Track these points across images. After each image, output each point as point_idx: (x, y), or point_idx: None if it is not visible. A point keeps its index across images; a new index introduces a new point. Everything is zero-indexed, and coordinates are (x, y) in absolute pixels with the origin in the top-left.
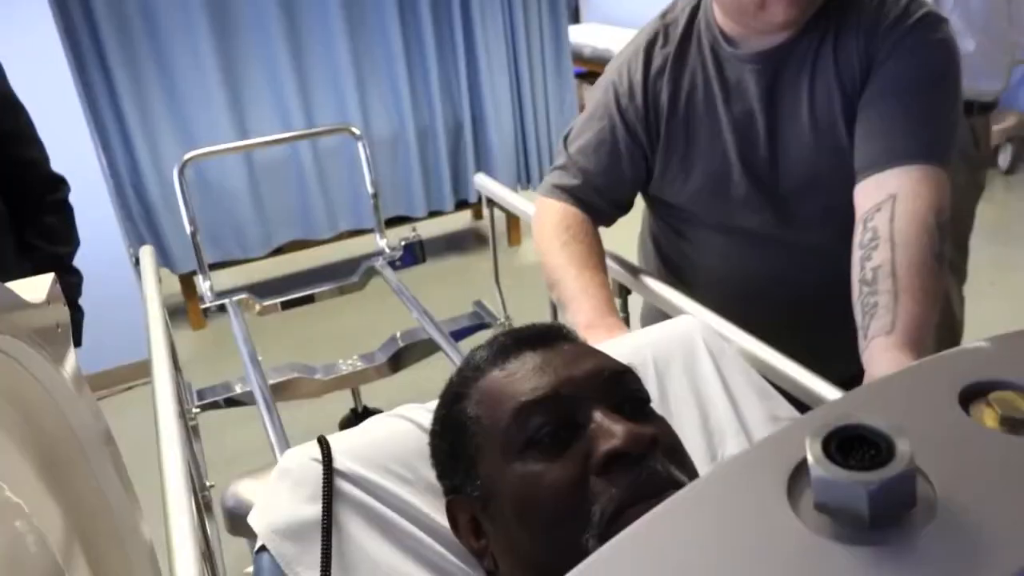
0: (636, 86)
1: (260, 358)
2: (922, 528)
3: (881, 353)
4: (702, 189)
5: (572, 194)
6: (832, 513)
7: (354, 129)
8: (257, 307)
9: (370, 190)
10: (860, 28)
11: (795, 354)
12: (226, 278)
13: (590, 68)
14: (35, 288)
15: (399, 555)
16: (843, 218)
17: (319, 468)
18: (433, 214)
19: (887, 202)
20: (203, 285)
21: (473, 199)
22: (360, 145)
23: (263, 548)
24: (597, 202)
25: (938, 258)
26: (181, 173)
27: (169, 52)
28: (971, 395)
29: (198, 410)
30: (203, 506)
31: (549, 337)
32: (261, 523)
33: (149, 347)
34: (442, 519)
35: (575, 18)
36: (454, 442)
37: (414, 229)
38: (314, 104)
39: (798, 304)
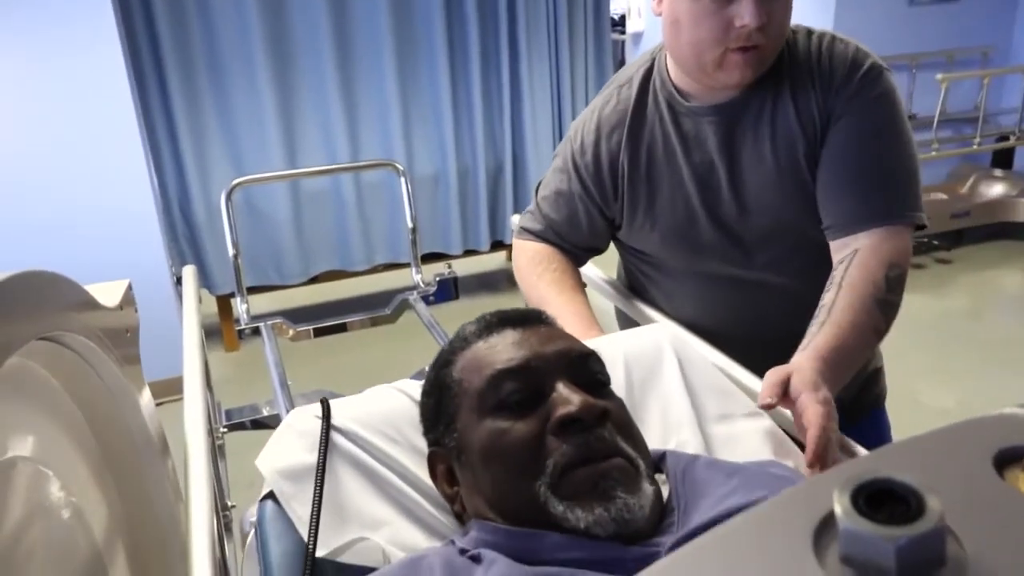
0: (588, 146)
1: (289, 383)
2: None
3: (793, 361)
4: (669, 236)
5: (538, 236)
6: (858, 567)
7: (398, 165)
8: (290, 332)
9: (409, 224)
10: (815, 82)
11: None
12: (262, 302)
13: None
14: (109, 292)
15: (382, 501)
16: (806, 258)
17: (319, 423)
18: (468, 252)
19: (848, 256)
20: (240, 307)
21: (509, 240)
22: (403, 181)
23: (266, 497)
24: (562, 244)
25: (879, 303)
26: (228, 197)
27: (227, 82)
28: (1006, 460)
29: (225, 430)
30: (223, 526)
31: (529, 319)
32: (267, 466)
33: (184, 364)
34: (422, 474)
35: (620, 65)
36: (439, 400)
37: (449, 266)
38: (360, 139)
39: (764, 343)
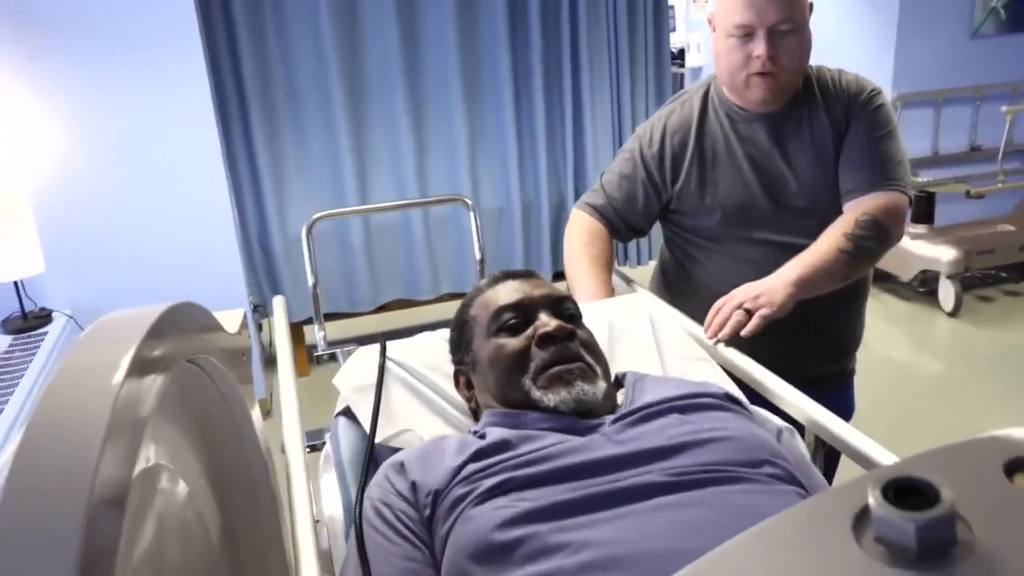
0: (655, 141)
1: None
2: (962, 561)
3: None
4: (730, 211)
5: (597, 211)
6: (888, 546)
7: (467, 199)
8: None
9: (477, 256)
10: (837, 99)
11: (776, 355)
12: (332, 330)
13: None
14: (230, 319)
15: (421, 407)
16: (825, 223)
17: (377, 354)
18: None
19: (855, 203)
20: (318, 334)
21: None
22: (472, 215)
23: (339, 414)
24: (615, 221)
25: (845, 235)
26: (309, 231)
27: (305, 122)
28: (1016, 467)
29: (308, 450)
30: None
31: (526, 274)
32: (342, 383)
33: (278, 387)
34: (450, 390)
35: None
36: (461, 332)
37: None
38: (428, 174)
39: None
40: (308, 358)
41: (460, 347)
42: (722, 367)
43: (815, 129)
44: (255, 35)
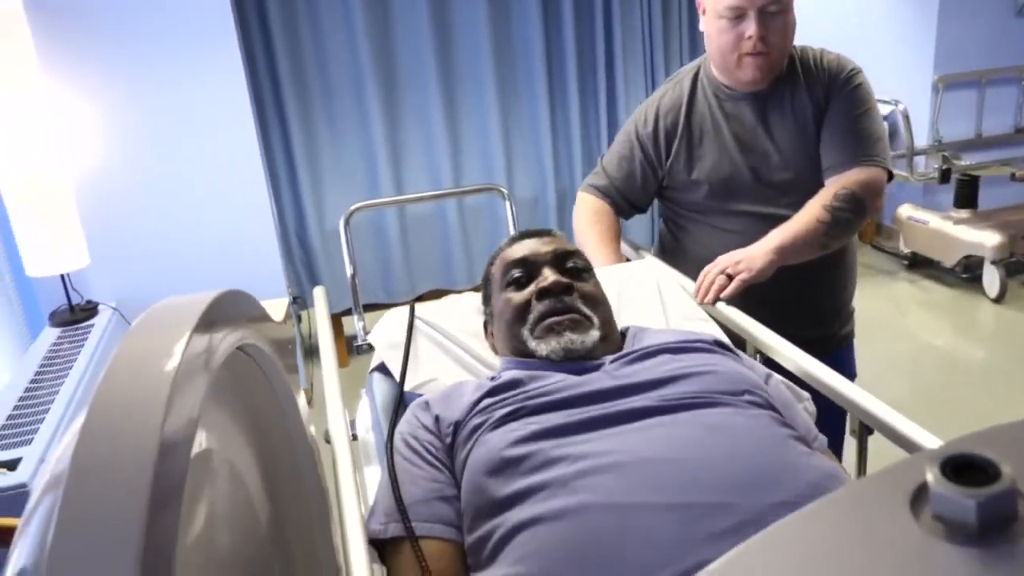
0: (649, 122)
1: None
2: (1022, 537)
3: None
4: (716, 186)
5: (600, 191)
6: (947, 523)
7: (503, 189)
8: None
9: None
10: (818, 79)
11: (767, 319)
12: (369, 321)
13: None
14: (275, 308)
15: (446, 358)
16: (807, 196)
17: (407, 314)
18: None
19: (833, 183)
20: (357, 325)
21: None
22: (507, 204)
23: (374, 370)
24: (617, 199)
25: (824, 207)
26: (347, 222)
27: (339, 113)
28: None
29: (352, 438)
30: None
31: (541, 232)
32: (376, 340)
33: (318, 376)
34: (473, 344)
35: None
36: (485, 286)
37: None
38: (463, 164)
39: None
40: (347, 348)
41: (485, 300)
42: (721, 325)
43: (797, 107)
44: (289, 30)
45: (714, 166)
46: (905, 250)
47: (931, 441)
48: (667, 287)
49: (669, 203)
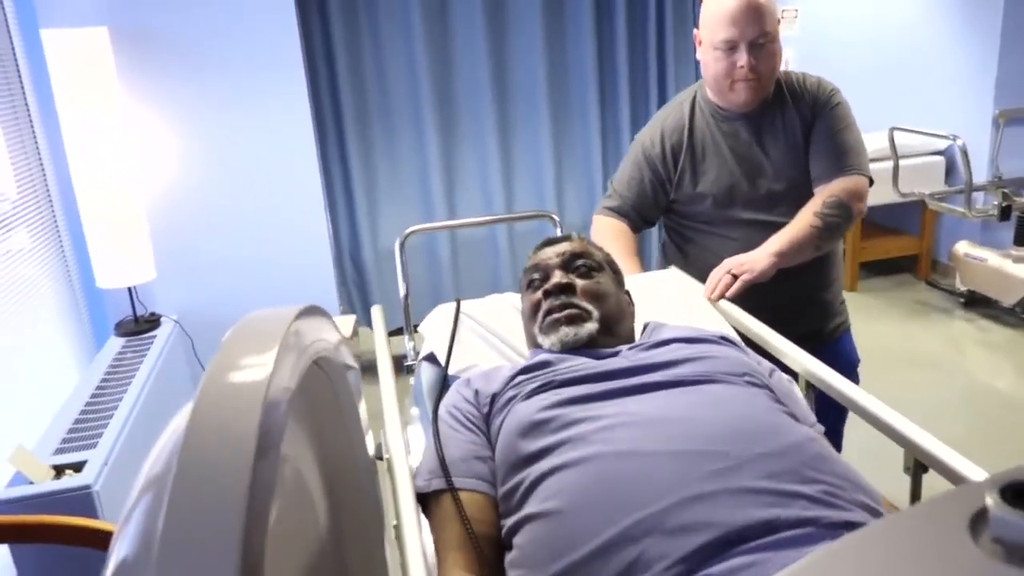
0: (656, 143)
1: None
2: None
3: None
4: (719, 197)
5: (615, 211)
6: (1007, 546)
7: (554, 216)
8: None
9: None
10: (804, 100)
11: (771, 315)
12: (416, 342)
13: None
14: (342, 325)
15: (487, 348)
16: (799, 204)
17: (454, 308)
18: None
19: (822, 192)
20: (407, 344)
21: None
22: (557, 231)
23: (423, 358)
24: (632, 216)
25: (815, 214)
26: (402, 244)
27: (397, 139)
28: None
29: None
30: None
31: (561, 239)
32: (426, 329)
33: (382, 393)
34: (510, 337)
35: None
36: (520, 284)
37: None
38: (515, 189)
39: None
40: (397, 368)
41: (522, 298)
42: (739, 332)
43: (786, 125)
44: (352, 56)
45: (716, 179)
46: (962, 288)
47: (866, 398)
48: (691, 293)
49: (675, 216)
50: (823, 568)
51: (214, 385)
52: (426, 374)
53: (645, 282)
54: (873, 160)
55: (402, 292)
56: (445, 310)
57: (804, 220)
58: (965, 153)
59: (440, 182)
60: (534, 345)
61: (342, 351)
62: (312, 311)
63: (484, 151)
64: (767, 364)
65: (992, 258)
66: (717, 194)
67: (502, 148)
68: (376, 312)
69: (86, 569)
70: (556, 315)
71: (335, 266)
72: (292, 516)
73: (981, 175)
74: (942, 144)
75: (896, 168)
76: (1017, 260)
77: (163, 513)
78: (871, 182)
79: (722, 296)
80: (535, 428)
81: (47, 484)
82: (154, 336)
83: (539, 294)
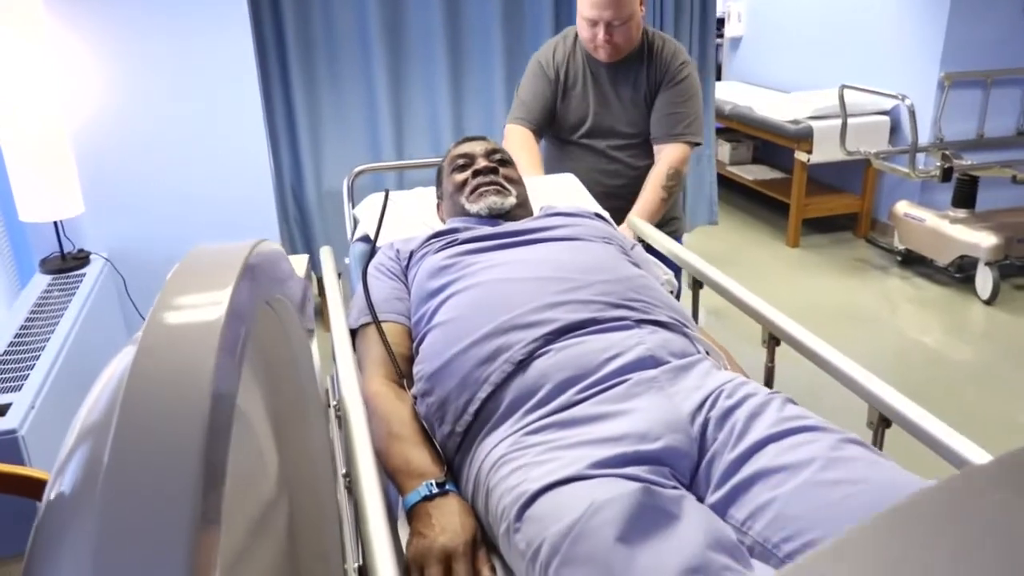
0: (549, 63)
1: None
2: None
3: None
4: (576, 123)
5: (523, 119)
6: None
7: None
8: None
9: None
10: (656, 68)
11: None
12: None
13: (728, 124)
14: (296, 264)
15: (409, 227)
16: (638, 146)
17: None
18: None
19: (660, 159)
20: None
21: None
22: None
23: (358, 240)
24: (535, 122)
25: (662, 187)
26: (351, 184)
27: (344, 74)
28: None
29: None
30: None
31: (478, 137)
32: (360, 213)
33: (333, 337)
34: (429, 219)
35: (717, 76)
36: (438, 175)
37: None
38: (466, 129)
39: (616, 189)
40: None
41: (438, 184)
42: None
43: (638, 82)
44: None
45: (577, 107)
46: (899, 246)
47: (947, 434)
48: (577, 191)
49: (551, 129)
50: (888, 524)
51: (161, 326)
52: (357, 252)
53: (538, 185)
54: (820, 117)
55: (349, 233)
56: (376, 199)
57: (654, 193)
58: (913, 114)
59: (388, 121)
60: (454, 215)
61: (298, 291)
62: (265, 247)
63: (434, 91)
64: (631, 240)
65: (930, 219)
66: (576, 122)
67: (453, 88)
68: (325, 253)
69: (13, 516)
70: (485, 188)
71: (277, 204)
72: (241, 463)
73: (924, 137)
74: (887, 104)
75: (844, 126)
76: (954, 221)
77: (104, 465)
78: (699, 143)
79: None
80: (440, 271)
81: None
82: (83, 274)
83: (468, 173)
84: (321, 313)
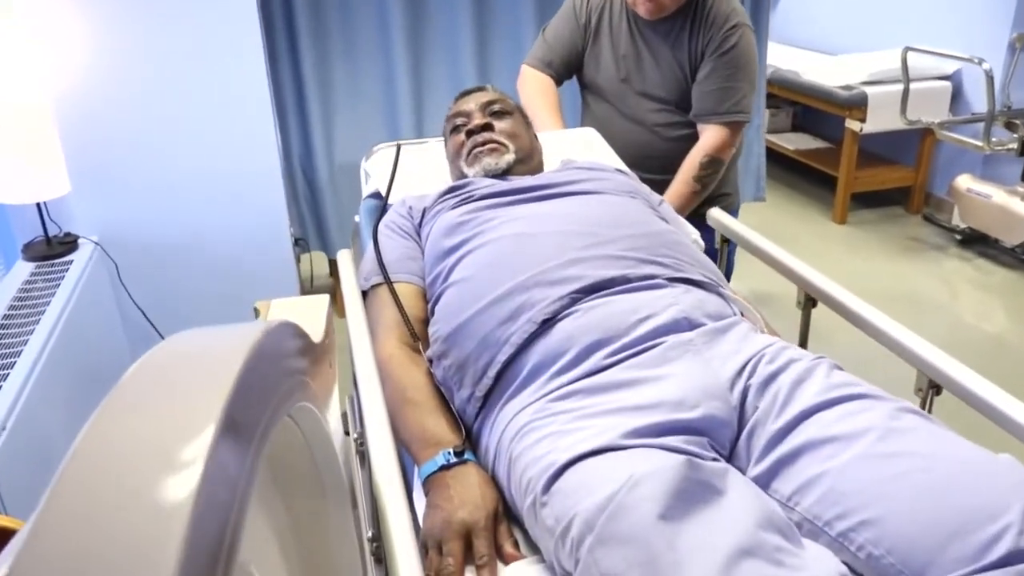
0: (582, 8)
1: None
2: None
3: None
4: (600, 79)
5: (542, 61)
6: None
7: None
8: None
9: None
10: (704, 25)
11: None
12: None
13: (771, 91)
14: (311, 312)
15: (421, 182)
16: (668, 114)
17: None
18: None
19: (698, 143)
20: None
21: None
22: None
23: (370, 195)
24: (556, 66)
25: (695, 178)
26: (367, 161)
27: (358, 43)
28: None
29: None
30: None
31: (476, 89)
32: (371, 168)
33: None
34: (440, 173)
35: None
36: (445, 132)
37: None
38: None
39: (641, 161)
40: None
41: (446, 141)
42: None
43: (679, 42)
44: None
45: (604, 64)
46: (960, 224)
47: (1004, 400)
48: (599, 147)
49: (580, 80)
50: None
51: (86, 499)
52: (366, 209)
53: (558, 140)
54: (876, 83)
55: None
56: (387, 153)
57: (686, 187)
58: (991, 79)
59: (407, 93)
60: (457, 178)
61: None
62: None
63: (457, 60)
64: (657, 196)
65: (997, 195)
66: (601, 75)
67: (478, 57)
68: (343, 256)
69: None
70: (480, 148)
71: (285, 181)
72: None
73: (984, 104)
74: (949, 68)
75: (906, 92)
76: None
77: None
78: (747, 121)
79: None
80: (456, 228)
81: None
82: (71, 261)
83: (463, 135)
84: (335, 297)
